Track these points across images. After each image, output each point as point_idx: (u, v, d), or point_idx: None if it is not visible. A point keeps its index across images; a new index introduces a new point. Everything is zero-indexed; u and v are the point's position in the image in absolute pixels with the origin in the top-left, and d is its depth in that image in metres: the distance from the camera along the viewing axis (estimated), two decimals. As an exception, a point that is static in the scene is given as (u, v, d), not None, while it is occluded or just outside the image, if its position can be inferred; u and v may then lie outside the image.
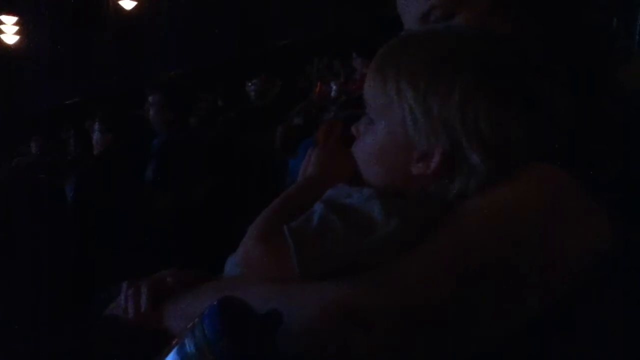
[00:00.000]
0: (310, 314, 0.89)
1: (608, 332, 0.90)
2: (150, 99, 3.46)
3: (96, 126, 3.87)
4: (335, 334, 0.87)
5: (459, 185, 0.96)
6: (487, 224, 0.92)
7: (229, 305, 0.75)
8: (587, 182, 0.92)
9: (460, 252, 0.91)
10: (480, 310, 0.90)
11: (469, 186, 0.96)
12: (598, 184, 0.92)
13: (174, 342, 0.80)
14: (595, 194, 0.91)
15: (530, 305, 0.92)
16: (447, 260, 0.90)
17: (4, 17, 9.26)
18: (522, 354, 0.91)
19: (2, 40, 9.38)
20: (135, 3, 8.88)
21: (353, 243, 0.92)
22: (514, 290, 0.91)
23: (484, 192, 0.95)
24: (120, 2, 8.79)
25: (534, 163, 0.94)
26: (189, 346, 0.77)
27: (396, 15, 1.17)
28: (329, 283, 0.92)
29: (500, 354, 0.90)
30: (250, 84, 6.56)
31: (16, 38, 9.36)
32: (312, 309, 0.89)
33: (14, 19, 9.31)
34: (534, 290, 0.91)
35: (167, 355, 0.79)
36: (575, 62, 1.08)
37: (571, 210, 0.92)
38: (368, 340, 0.87)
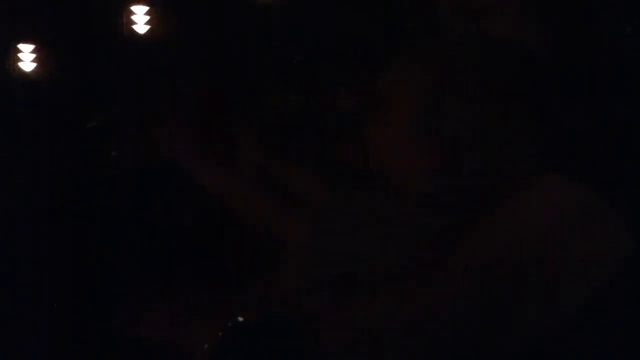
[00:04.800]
0: (332, 329, 0.89)
1: (609, 333, 0.90)
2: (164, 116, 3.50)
3: (109, 147, 3.91)
4: (359, 349, 0.88)
5: (468, 190, 0.97)
6: (502, 233, 0.93)
7: (242, 329, 0.75)
8: (600, 187, 0.92)
9: (477, 261, 0.91)
10: (497, 320, 0.90)
11: (479, 192, 0.97)
12: (611, 187, 0.93)
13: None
14: (609, 199, 0.92)
15: (546, 313, 0.92)
16: (465, 270, 0.91)
17: (21, 46, 9.42)
18: (523, 353, 0.91)
19: (20, 68, 9.54)
20: (148, 27, 9.03)
21: (369, 253, 0.93)
22: (530, 299, 0.91)
23: (498, 200, 0.95)
24: (133, 27, 8.93)
25: (547, 172, 0.95)
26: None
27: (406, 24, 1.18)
28: (348, 296, 0.93)
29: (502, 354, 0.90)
30: (265, 99, 6.60)
31: (33, 65, 9.52)
32: (333, 324, 0.90)
33: (32, 46, 9.47)
34: (551, 298, 0.92)
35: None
36: (585, 66, 1.08)
37: (586, 220, 0.93)
38: (391, 353, 0.88)
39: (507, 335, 0.91)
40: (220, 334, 0.76)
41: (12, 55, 9.04)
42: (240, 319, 0.78)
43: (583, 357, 0.92)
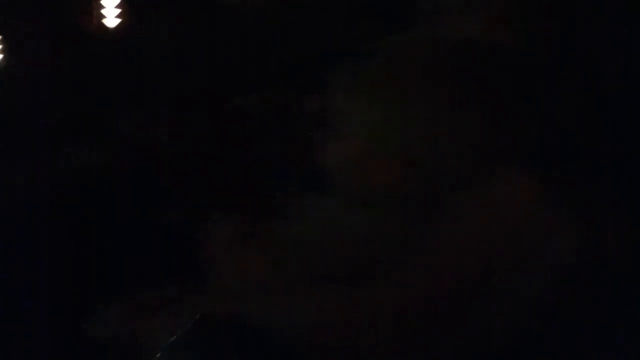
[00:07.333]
0: (307, 316, 0.95)
1: (607, 332, 0.96)
2: (143, 116, 3.52)
3: (86, 143, 3.92)
4: (336, 335, 0.93)
5: (434, 187, 1.03)
6: (464, 229, 0.99)
7: (207, 322, 0.80)
8: (575, 184, 0.98)
9: (447, 253, 0.98)
10: (467, 312, 0.97)
11: (445, 189, 1.03)
12: (591, 184, 0.99)
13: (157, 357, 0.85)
14: (577, 199, 0.98)
15: (511, 308, 0.98)
16: (435, 260, 0.98)
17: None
18: (521, 352, 0.96)
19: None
20: (119, 20, 8.95)
21: (343, 247, 0.99)
22: (494, 292, 0.97)
23: (464, 197, 1.02)
24: (103, 21, 8.86)
25: (510, 171, 1.02)
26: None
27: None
28: (326, 286, 0.98)
29: (502, 352, 0.96)
30: (251, 98, 6.61)
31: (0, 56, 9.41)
32: (310, 312, 0.95)
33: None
34: (513, 293, 0.98)
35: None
36: (579, 65, 1.14)
37: (542, 219, 1.00)
38: (368, 341, 0.93)
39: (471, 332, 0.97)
40: (187, 326, 0.81)
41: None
42: (206, 313, 0.83)
43: (550, 350, 0.98)
